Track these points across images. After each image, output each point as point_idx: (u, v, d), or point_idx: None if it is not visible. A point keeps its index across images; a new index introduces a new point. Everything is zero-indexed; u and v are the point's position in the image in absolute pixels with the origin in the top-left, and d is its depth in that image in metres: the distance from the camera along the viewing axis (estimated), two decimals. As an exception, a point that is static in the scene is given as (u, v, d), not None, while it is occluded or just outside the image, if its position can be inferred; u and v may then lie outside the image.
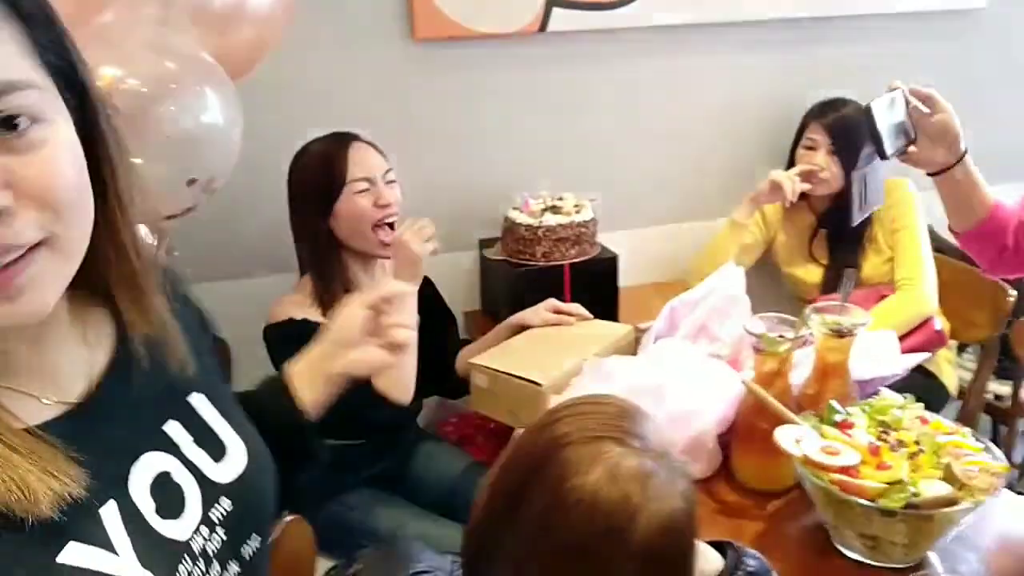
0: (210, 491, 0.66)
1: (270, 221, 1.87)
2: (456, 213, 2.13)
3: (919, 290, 1.91)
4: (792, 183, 1.95)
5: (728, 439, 1.34)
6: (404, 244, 1.49)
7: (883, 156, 1.23)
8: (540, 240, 1.93)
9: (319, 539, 1.19)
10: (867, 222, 2.00)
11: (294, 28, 1.73)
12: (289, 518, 1.42)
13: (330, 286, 1.55)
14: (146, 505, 0.61)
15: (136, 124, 1.07)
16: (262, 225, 1.87)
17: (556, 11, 2.00)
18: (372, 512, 1.58)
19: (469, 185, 2.13)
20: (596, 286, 1.95)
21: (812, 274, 2.09)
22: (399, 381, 1.42)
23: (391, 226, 1.60)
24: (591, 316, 1.79)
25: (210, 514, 0.65)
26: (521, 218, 1.95)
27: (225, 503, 0.67)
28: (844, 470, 1.06)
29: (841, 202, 2.01)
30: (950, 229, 1.34)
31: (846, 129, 1.98)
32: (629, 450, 0.73)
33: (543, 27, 2.00)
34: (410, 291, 0.94)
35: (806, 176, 1.98)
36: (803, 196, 2.02)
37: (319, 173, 1.57)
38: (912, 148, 1.24)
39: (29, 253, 0.52)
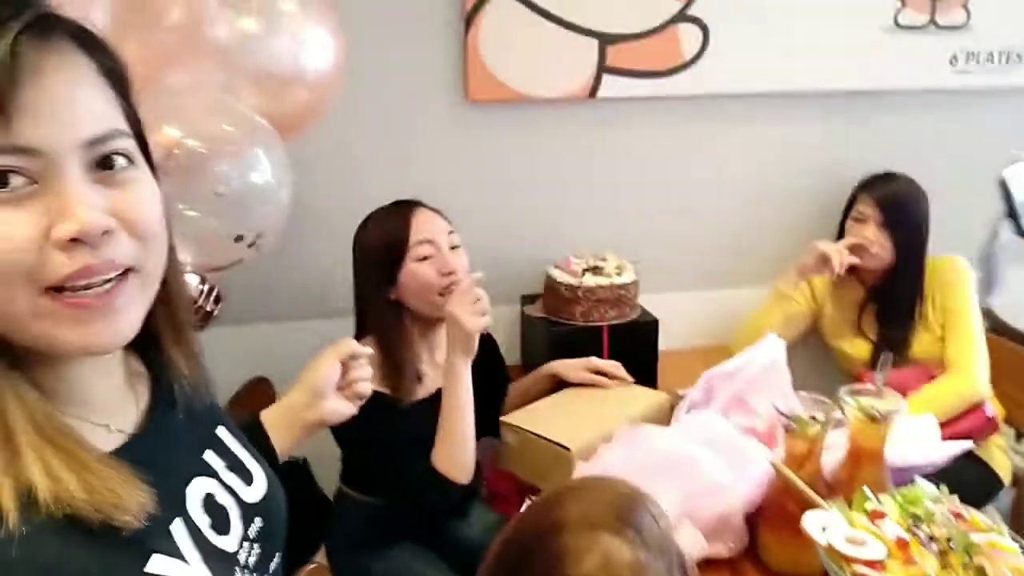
0: (246, 511, 0.73)
1: (317, 269, 1.93)
2: (501, 267, 2.15)
3: (969, 373, 1.84)
4: (839, 255, 1.93)
5: (756, 519, 1.31)
6: (455, 319, 1.42)
7: (1021, 231, 1.14)
8: (580, 300, 1.94)
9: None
10: (918, 298, 1.96)
11: (352, 90, 1.81)
12: (312, 566, 1.44)
13: (395, 358, 1.51)
14: (203, 522, 0.67)
15: (192, 181, 1.13)
16: (311, 273, 1.94)
17: (607, 77, 2.04)
18: (403, 568, 1.57)
19: (515, 242, 2.16)
20: (635, 349, 1.94)
21: (860, 349, 2.04)
22: (458, 461, 1.44)
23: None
24: (629, 378, 1.78)
25: (248, 531, 0.72)
26: (562, 277, 1.96)
27: (258, 521, 0.74)
28: (869, 563, 1.03)
29: (892, 276, 1.98)
30: None
31: (896, 203, 1.96)
32: (625, 542, 0.73)
33: (593, 93, 2.04)
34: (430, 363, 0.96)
35: (855, 250, 1.96)
36: (852, 269, 1.99)
37: (381, 239, 1.54)
38: None
39: (124, 277, 0.59)
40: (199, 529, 0.66)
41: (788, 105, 2.20)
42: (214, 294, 1.35)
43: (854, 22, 2.14)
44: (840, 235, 2.07)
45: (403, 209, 1.57)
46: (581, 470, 1.38)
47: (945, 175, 2.12)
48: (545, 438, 1.51)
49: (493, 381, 1.76)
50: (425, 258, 1.53)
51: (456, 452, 1.44)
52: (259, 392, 1.82)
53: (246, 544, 0.71)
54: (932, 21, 2.17)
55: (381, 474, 1.51)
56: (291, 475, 1.93)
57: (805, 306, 2.10)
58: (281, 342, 2.00)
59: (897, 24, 2.15)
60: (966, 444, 1.44)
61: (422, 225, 1.55)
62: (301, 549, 1.59)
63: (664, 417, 1.65)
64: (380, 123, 1.99)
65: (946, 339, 1.92)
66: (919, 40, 2.17)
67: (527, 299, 2.13)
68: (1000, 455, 1.99)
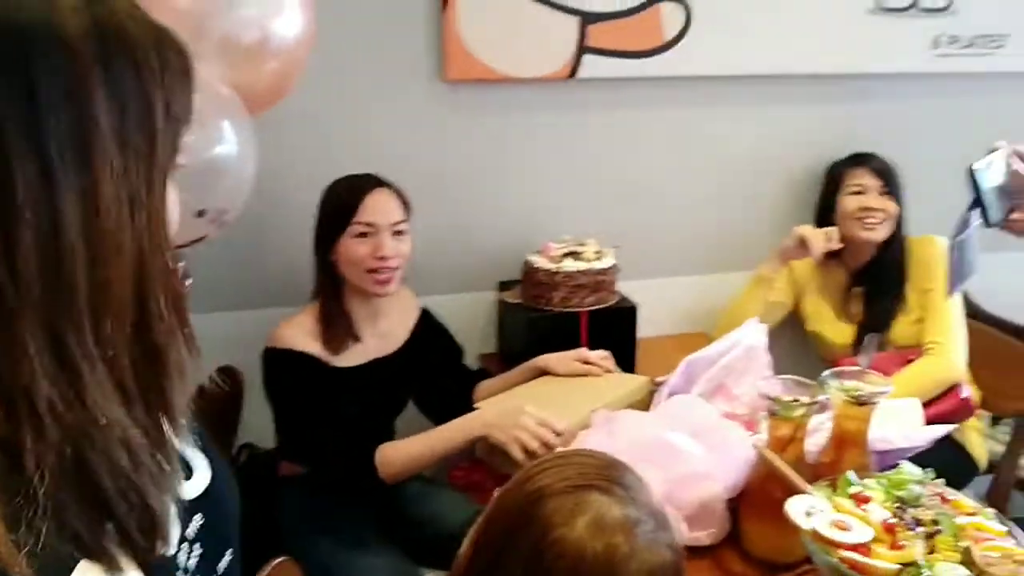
0: (183, 508, 0.65)
1: (288, 255, 1.87)
2: (477, 253, 2.12)
3: (947, 355, 1.83)
4: (820, 238, 1.90)
5: (738, 505, 1.28)
6: (503, 443, 1.41)
7: (989, 223, 1.13)
8: (558, 286, 1.90)
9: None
10: (902, 280, 1.95)
11: (323, 65, 1.75)
12: (279, 560, 1.40)
13: (330, 315, 1.59)
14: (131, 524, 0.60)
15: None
16: (280, 258, 1.88)
17: (587, 57, 1.99)
18: (361, 557, 1.54)
19: (492, 226, 2.12)
20: (613, 335, 1.91)
21: (842, 334, 2.02)
22: (398, 471, 1.48)
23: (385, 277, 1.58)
24: (618, 370, 1.75)
25: (187, 531, 0.64)
26: (540, 262, 1.93)
27: (198, 518, 0.66)
28: (855, 548, 1.00)
29: (879, 254, 1.97)
30: None
31: (892, 171, 1.99)
32: (614, 499, 0.70)
33: (573, 73, 2.00)
34: None
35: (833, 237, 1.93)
36: (836, 253, 1.97)
37: (331, 208, 1.60)
38: (1015, 215, 1.15)
39: None
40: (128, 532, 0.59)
41: (771, 87, 2.17)
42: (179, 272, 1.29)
43: (838, 4, 2.11)
44: (821, 216, 2.05)
45: (362, 184, 1.59)
46: (559, 457, 1.34)
47: (926, 159, 2.11)
48: None
49: (442, 355, 1.79)
50: (363, 235, 1.56)
51: (405, 468, 1.49)
52: (225, 382, 1.76)
53: (185, 545, 0.64)
54: (914, 4, 2.15)
55: (311, 439, 1.53)
56: (261, 465, 1.89)
57: (785, 292, 2.09)
58: (248, 330, 1.95)
59: (880, 6, 2.13)
60: (948, 427, 1.42)
61: (371, 206, 1.57)
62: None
63: (644, 402, 1.61)
64: (353, 101, 1.93)
65: (925, 320, 1.90)
66: (902, 23, 2.15)
67: (505, 285, 2.09)
68: (977, 439, 1.99)
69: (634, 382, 1.68)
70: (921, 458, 1.33)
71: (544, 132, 2.08)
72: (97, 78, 0.48)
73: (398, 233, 1.59)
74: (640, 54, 2.03)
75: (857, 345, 1.94)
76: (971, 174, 1.09)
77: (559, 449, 0.84)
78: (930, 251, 1.93)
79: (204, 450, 0.73)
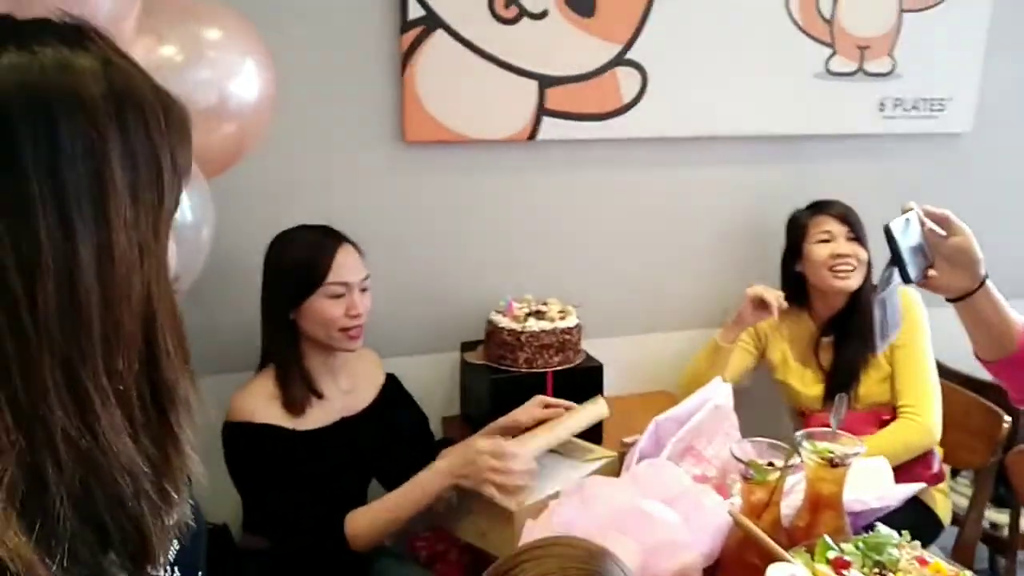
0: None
1: (244, 318, 1.81)
2: (439, 314, 2.09)
3: (923, 420, 1.81)
4: (776, 297, 1.90)
5: (715, 573, 1.25)
6: (489, 490, 1.43)
7: (907, 280, 1.13)
8: (523, 345, 1.88)
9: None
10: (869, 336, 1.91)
11: (282, 126, 1.73)
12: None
13: (288, 376, 1.54)
14: None
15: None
16: (234, 322, 1.81)
17: (546, 120, 2.01)
18: None
19: (454, 287, 2.09)
20: (580, 395, 1.87)
21: (811, 385, 1.99)
22: (369, 540, 1.46)
23: (356, 333, 1.58)
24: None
25: (168, 555, 0.67)
26: (504, 322, 1.90)
27: (175, 544, 0.68)
28: (839, 618, 0.98)
29: (849, 302, 1.93)
30: (976, 356, 1.20)
31: (855, 216, 1.96)
32: None
33: (532, 135, 2.01)
34: None
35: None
36: (803, 303, 1.97)
37: (300, 264, 1.54)
38: (932, 272, 1.15)
39: None
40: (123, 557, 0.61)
41: (726, 148, 2.22)
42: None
43: (788, 68, 2.18)
44: (786, 268, 2.04)
45: (329, 241, 1.56)
46: (530, 528, 1.29)
47: (875, 216, 2.15)
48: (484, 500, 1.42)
49: (405, 420, 1.75)
50: (336, 297, 1.53)
51: (372, 534, 1.46)
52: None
53: (168, 568, 0.67)
54: (861, 68, 2.23)
55: (277, 510, 1.48)
56: (212, 540, 1.79)
57: (750, 351, 2.07)
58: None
59: (828, 71, 2.20)
60: (919, 485, 1.42)
61: (343, 266, 1.55)
62: None
63: (613, 470, 1.58)
64: (313, 163, 1.91)
65: (896, 379, 1.87)
66: (849, 87, 2.23)
67: (468, 346, 2.05)
68: (942, 498, 1.99)
69: (592, 410, 1.65)
70: (888, 518, 1.33)
71: (505, 193, 2.08)
72: (113, 137, 0.53)
73: (364, 291, 1.58)
74: (598, 116, 2.05)
75: (826, 397, 1.93)
76: (887, 232, 1.12)
77: (540, 537, 0.80)
78: (902, 304, 1.91)
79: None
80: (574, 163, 2.11)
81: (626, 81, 2.05)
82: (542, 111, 2.01)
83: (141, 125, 0.54)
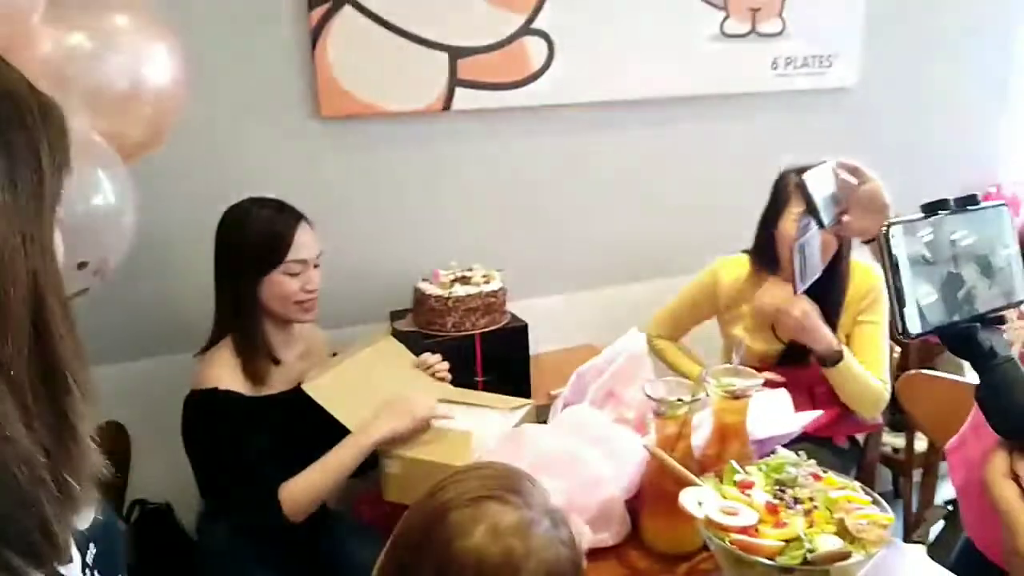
0: (80, 537, 0.67)
1: (173, 301, 1.82)
2: (366, 286, 2.13)
3: (883, 384, 1.89)
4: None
5: (636, 504, 1.36)
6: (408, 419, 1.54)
7: (821, 224, 1.26)
8: (450, 311, 1.95)
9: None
10: (840, 305, 1.89)
11: (197, 108, 1.73)
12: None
13: (247, 344, 1.57)
14: None
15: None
16: (164, 305, 1.83)
17: (459, 91, 2.06)
18: None
19: (379, 258, 2.14)
20: (507, 354, 1.98)
21: (770, 346, 1.98)
22: (303, 508, 1.49)
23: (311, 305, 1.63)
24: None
25: (87, 558, 0.68)
26: (431, 289, 1.96)
27: (92, 547, 0.69)
28: (744, 530, 1.09)
29: (823, 279, 1.82)
30: None
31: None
32: (509, 507, 0.75)
33: (447, 106, 2.06)
34: None
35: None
36: (772, 269, 1.92)
37: (261, 241, 1.56)
38: (845, 217, 1.27)
39: None
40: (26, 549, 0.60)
41: (630, 111, 2.32)
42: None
43: (685, 32, 2.29)
44: (764, 226, 1.95)
45: (289, 219, 1.59)
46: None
47: (771, 169, 2.29)
48: (433, 461, 1.49)
49: None
50: (294, 274, 1.57)
51: (306, 500, 1.50)
52: (111, 439, 1.69)
53: (87, 571, 0.68)
54: (753, 30, 2.35)
55: (231, 477, 1.51)
56: (155, 520, 1.82)
57: (707, 310, 2.10)
58: (133, 383, 1.87)
59: (723, 33, 2.32)
60: (816, 413, 1.55)
61: (302, 244, 1.59)
62: None
63: (534, 418, 1.68)
64: (230, 143, 1.92)
65: (854, 348, 1.89)
66: (743, 48, 2.35)
67: (396, 314, 2.11)
68: None
69: (518, 401, 1.72)
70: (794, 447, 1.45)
71: (422, 163, 2.13)
72: None
73: (317, 266, 1.63)
74: (510, 85, 2.12)
75: (782, 359, 1.95)
76: (802, 185, 1.24)
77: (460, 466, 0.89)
78: (869, 283, 1.89)
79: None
80: (488, 132, 2.17)
81: (534, 50, 2.12)
82: (455, 82, 2.06)
83: (15, 116, 0.55)
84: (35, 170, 0.56)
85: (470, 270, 2.05)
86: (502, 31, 2.08)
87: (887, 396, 1.91)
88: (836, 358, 1.84)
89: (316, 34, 1.90)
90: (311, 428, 1.62)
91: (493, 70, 2.09)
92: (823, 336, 1.82)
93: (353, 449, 1.50)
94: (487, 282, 2.00)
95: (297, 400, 1.58)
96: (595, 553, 1.30)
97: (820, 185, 1.25)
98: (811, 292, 1.86)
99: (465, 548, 0.73)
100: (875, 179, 1.25)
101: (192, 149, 1.83)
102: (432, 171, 2.15)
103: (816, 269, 1.38)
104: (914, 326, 0.62)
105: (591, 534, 1.30)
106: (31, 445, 0.53)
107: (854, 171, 1.26)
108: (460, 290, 1.95)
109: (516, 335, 2.01)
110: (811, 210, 1.25)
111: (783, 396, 1.61)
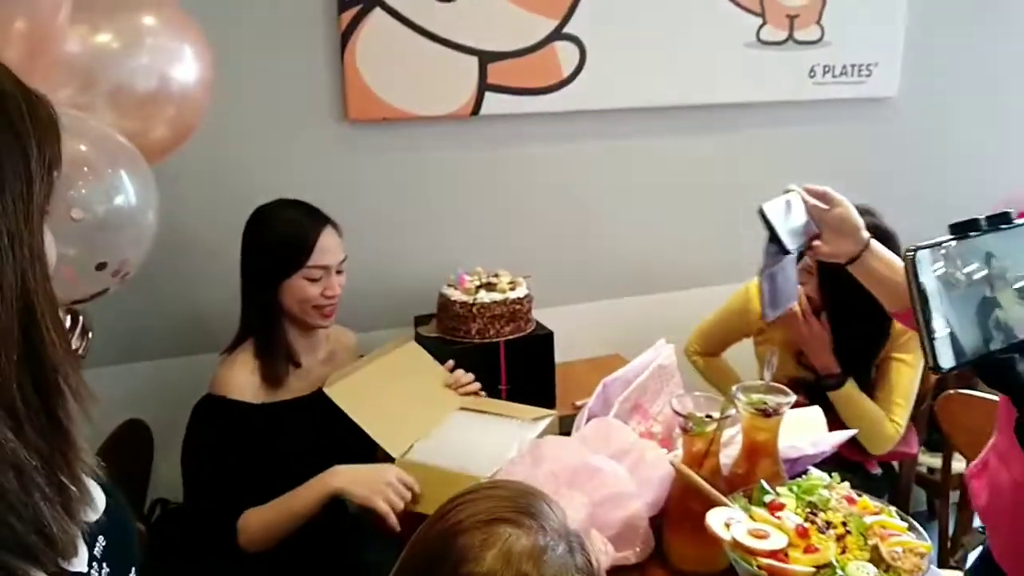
0: (88, 529, 0.67)
1: (193, 302, 1.82)
2: (391, 290, 2.12)
3: (896, 426, 1.85)
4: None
5: (661, 521, 1.32)
6: (367, 496, 1.42)
7: (785, 251, 1.26)
8: (475, 317, 1.92)
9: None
10: (861, 339, 1.85)
11: (225, 109, 1.73)
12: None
13: (269, 346, 1.56)
14: None
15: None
16: (185, 306, 1.83)
17: (489, 95, 2.04)
18: None
19: (404, 262, 2.13)
20: (532, 363, 1.94)
21: (800, 375, 1.95)
22: (259, 542, 1.44)
23: (330, 311, 1.61)
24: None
25: (95, 551, 0.67)
26: (456, 295, 1.94)
27: (101, 540, 0.68)
28: (773, 554, 1.05)
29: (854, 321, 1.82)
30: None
31: None
32: (522, 530, 0.72)
33: (476, 111, 2.04)
34: None
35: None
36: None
37: (283, 244, 1.55)
38: (817, 242, 1.28)
39: None
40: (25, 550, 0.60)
41: (663, 119, 2.28)
42: (78, 328, 1.24)
43: (721, 39, 2.24)
44: None
45: (314, 223, 1.58)
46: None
47: (808, 180, 2.24)
48: (449, 470, 1.46)
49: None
50: (315, 280, 1.56)
51: (263, 535, 1.45)
52: (133, 436, 1.69)
53: (95, 564, 0.67)
54: (791, 37, 2.30)
55: (198, 491, 1.49)
56: (176, 519, 1.80)
57: (740, 333, 2.08)
58: (154, 381, 1.88)
59: (759, 40, 2.27)
60: (851, 432, 1.50)
61: (325, 249, 1.57)
62: None
63: (555, 429, 1.64)
64: (256, 145, 1.91)
65: (880, 378, 1.87)
66: (779, 55, 2.30)
67: (421, 320, 2.08)
68: None
69: (540, 412, 1.69)
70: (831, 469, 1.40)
71: (450, 168, 2.11)
72: None
73: (340, 272, 1.62)
74: (540, 91, 2.09)
75: (807, 388, 1.90)
76: (760, 213, 1.24)
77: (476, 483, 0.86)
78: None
79: (95, 476, 0.74)
80: (517, 137, 2.15)
81: (565, 55, 2.09)
82: (484, 86, 2.04)
83: (2, 117, 0.54)
84: (23, 172, 0.55)
85: (496, 276, 2.02)
86: (534, 35, 2.05)
87: (895, 437, 1.86)
88: (833, 383, 1.85)
89: (346, 37, 1.89)
90: (330, 432, 1.60)
91: (524, 75, 2.06)
92: (823, 354, 1.86)
93: (316, 492, 1.43)
94: (513, 289, 1.97)
95: (317, 403, 1.55)
96: (617, 571, 1.27)
97: (785, 212, 1.25)
98: (837, 322, 1.87)
99: (475, 572, 0.70)
100: (844, 202, 1.27)
101: (219, 151, 1.83)
102: (460, 176, 2.13)
103: (792, 296, 1.38)
104: (946, 360, 0.58)
105: (614, 552, 1.26)
106: (20, 450, 0.53)
107: (822, 196, 1.28)
108: (485, 296, 1.92)
109: (541, 343, 1.97)
110: (773, 238, 1.24)
111: (816, 413, 1.56)
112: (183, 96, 1.29)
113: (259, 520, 1.44)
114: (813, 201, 1.27)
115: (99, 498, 0.72)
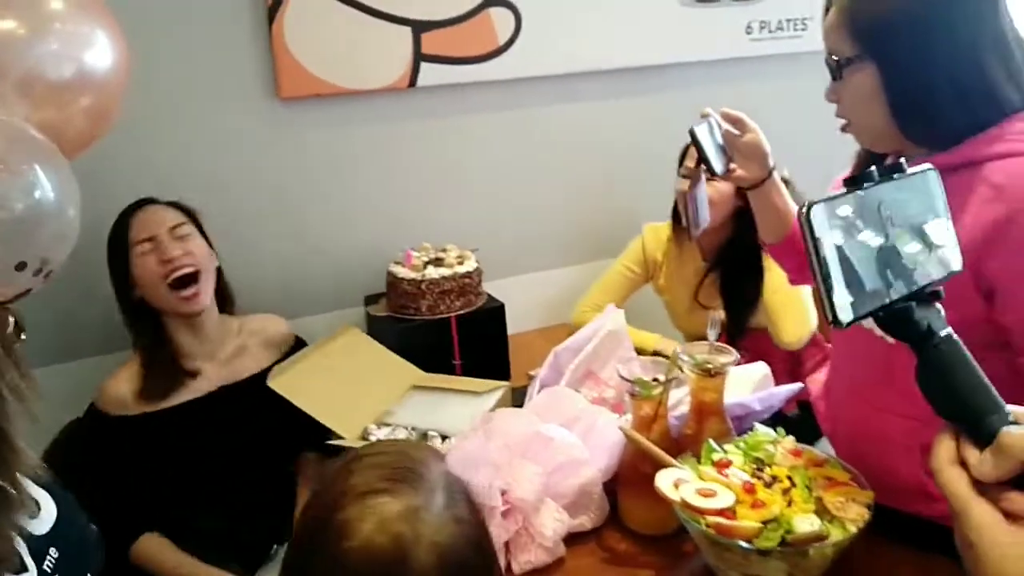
0: (36, 544, 0.66)
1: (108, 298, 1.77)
2: (338, 271, 2.09)
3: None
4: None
5: (614, 486, 1.33)
6: None
7: (714, 174, 1.32)
8: (424, 294, 1.90)
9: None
10: (759, 266, 1.94)
11: (150, 93, 1.67)
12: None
13: (154, 359, 1.57)
14: None
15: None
16: (101, 303, 1.77)
17: (424, 66, 2.00)
18: None
19: (350, 243, 2.09)
20: (484, 336, 1.94)
21: (697, 324, 2.02)
22: None
23: (185, 281, 1.56)
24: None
25: (44, 566, 0.66)
26: (404, 272, 1.92)
27: (52, 552, 0.67)
28: (720, 512, 1.06)
29: (733, 242, 1.96)
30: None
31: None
32: (395, 497, 0.73)
33: (412, 82, 2.00)
34: None
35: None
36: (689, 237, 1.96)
37: (112, 236, 1.58)
38: (732, 165, 1.33)
39: None
40: None
41: (602, 82, 2.26)
42: (10, 327, 1.19)
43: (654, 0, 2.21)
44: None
45: (128, 210, 1.59)
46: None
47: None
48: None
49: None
50: (145, 253, 1.56)
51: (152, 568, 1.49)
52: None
53: None
54: (724, -7, 2.29)
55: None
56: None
57: (637, 276, 2.14)
58: (94, 380, 1.82)
59: (694, -1, 2.26)
60: (798, 385, 1.52)
61: (143, 223, 1.57)
62: None
63: (509, 401, 1.65)
64: (184, 130, 1.85)
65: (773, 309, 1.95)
66: (715, 12, 2.29)
67: (370, 299, 2.06)
68: None
69: (493, 384, 1.69)
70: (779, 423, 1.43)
71: (390, 143, 2.08)
72: None
73: (180, 238, 1.58)
74: (476, 59, 2.06)
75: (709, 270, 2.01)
76: (692, 135, 1.29)
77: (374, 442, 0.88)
78: None
79: (47, 487, 0.73)
80: (456, 108, 2.11)
81: (500, 21, 2.06)
82: (420, 57, 2.00)
83: None
84: None
85: (443, 251, 2.00)
86: (466, 3, 2.01)
87: (811, 323, 1.93)
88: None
89: (273, 11, 1.83)
90: (254, 424, 1.59)
91: (459, 44, 2.03)
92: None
93: None
94: (461, 263, 1.95)
95: (212, 405, 1.57)
96: (574, 537, 1.28)
97: (709, 136, 1.31)
98: (721, 260, 1.99)
99: (351, 550, 0.70)
100: (756, 128, 1.32)
101: (144, 138, 1.77)
102: (400, 150, 2.09)
103: (707, 217, 1.44)
104: (845, 314, 0.56)
105: (569, 519, 1.27)
106: None
107: (737, 121, 1.33)
108: (434, 272, 1.91)
109: (493, 316, 1.97)
110: (703, 159, 1.30)
111: (763, 369, 1.58)
112: (99, 83, 1.23)
113: (156, 557, 1.48)
114: (726, 126, 1.32)
115: (49, 508, 0.71)
